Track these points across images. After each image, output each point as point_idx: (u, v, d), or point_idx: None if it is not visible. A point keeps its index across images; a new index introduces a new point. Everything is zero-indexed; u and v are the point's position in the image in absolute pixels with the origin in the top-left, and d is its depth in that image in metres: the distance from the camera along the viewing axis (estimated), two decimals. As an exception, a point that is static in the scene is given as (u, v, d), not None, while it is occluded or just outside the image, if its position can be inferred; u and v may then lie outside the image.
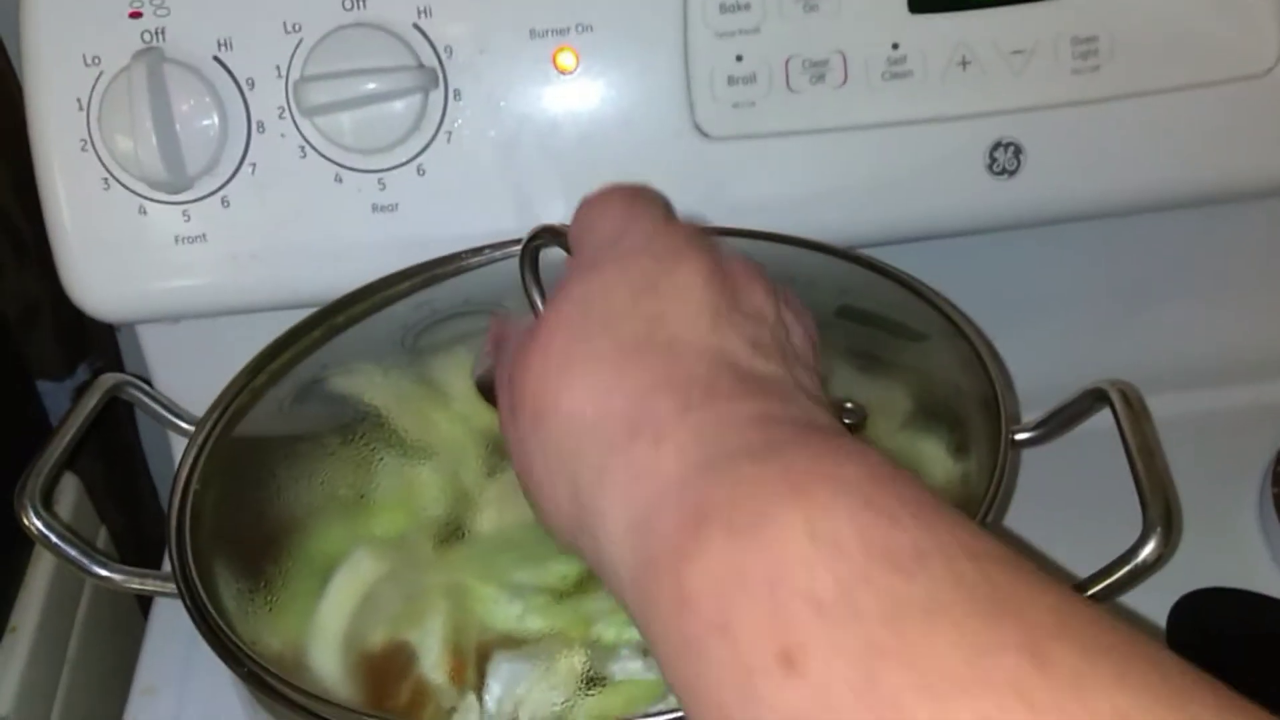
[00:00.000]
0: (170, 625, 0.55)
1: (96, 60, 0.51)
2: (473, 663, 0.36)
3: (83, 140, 0.52)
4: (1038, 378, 0.51)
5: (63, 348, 0.74)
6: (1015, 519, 0.48)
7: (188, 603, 0.38)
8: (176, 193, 0.52)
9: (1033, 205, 0.55)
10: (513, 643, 0.36)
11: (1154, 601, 0.49)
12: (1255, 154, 0.55)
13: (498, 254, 0.50)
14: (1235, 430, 0.59)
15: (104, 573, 0.40)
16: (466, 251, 0.50)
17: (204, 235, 0.53)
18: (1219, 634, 0.49)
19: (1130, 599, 0.50)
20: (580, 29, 0.51)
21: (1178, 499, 0.38)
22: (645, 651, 0.35)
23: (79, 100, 0.51)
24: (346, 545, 0.38)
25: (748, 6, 0.52)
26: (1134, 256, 0.61)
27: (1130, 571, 0.36)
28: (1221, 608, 0.49)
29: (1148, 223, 0.58)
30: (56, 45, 0.51)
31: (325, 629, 0.36)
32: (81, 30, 0.51)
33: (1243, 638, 0.49)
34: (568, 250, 0.37)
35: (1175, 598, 0.50)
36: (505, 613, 0.37)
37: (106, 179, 0.52)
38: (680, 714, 0.32)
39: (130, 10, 0.51)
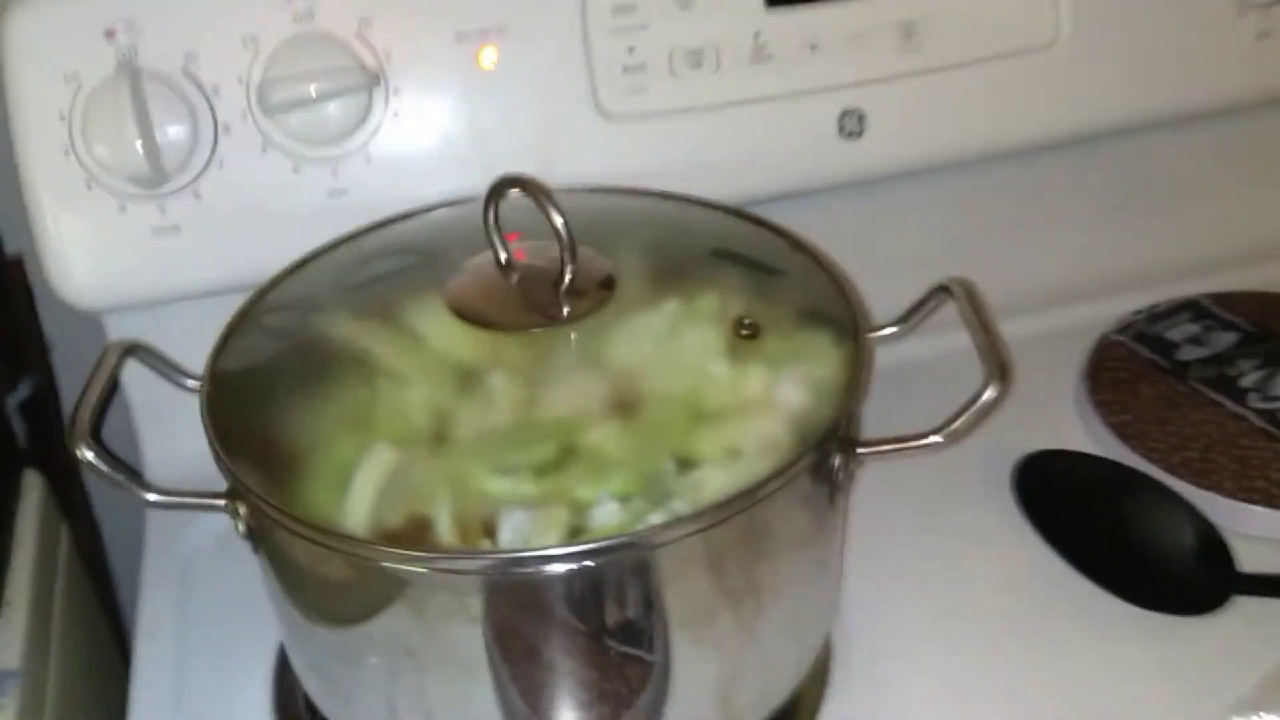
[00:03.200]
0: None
1: (76, 76, 0.58)
2: (478, 527, 0.44)
3: (65, 148, 0.59)
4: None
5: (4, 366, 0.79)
6: (886, 400, 0.59)
7: (233, 506, 0.46)
8: (154, 189, 0.59)
9: (877, 162, 0.66)
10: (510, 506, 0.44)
11: (1003, 463, 0.62)
12: (1047, 112, 0.68)
13: (439, 211, 0.59)
14: (1057, 339, 0.71)
15: (153, 496, 0.47)
16: (416, 209, 0.59)
17: (178, 226, 0.60)
18: (1053, 483, 0.61)
19: (986, 461, 0.62)
20: (498, 31, 0.61)
21: (1010, 354, 0.49)
22: (620, 499, 0.44)
23: (60, 112, 0.58)
24: (358, 452, 0.46)
25: (634, 8, 0.62)
26: (961, 206, 0.73)
27: (978, 409, 0.47)
28: (1054, 463, 0.62)
29: (970, 173, 0.70)
30: (37, 64, 0.58)
31: (356, 509, 0.44)
32: (60, 50, 0.58)
33: (1072, 485, 0.61)
34: (526, 192, 0.46)
35: (1019, 459, 0.62)
36: (499, 487, 0.45)
37: (88, 181, 0.59)
38: (632, 537, 0.41)
39: (105, 30, 0.58)
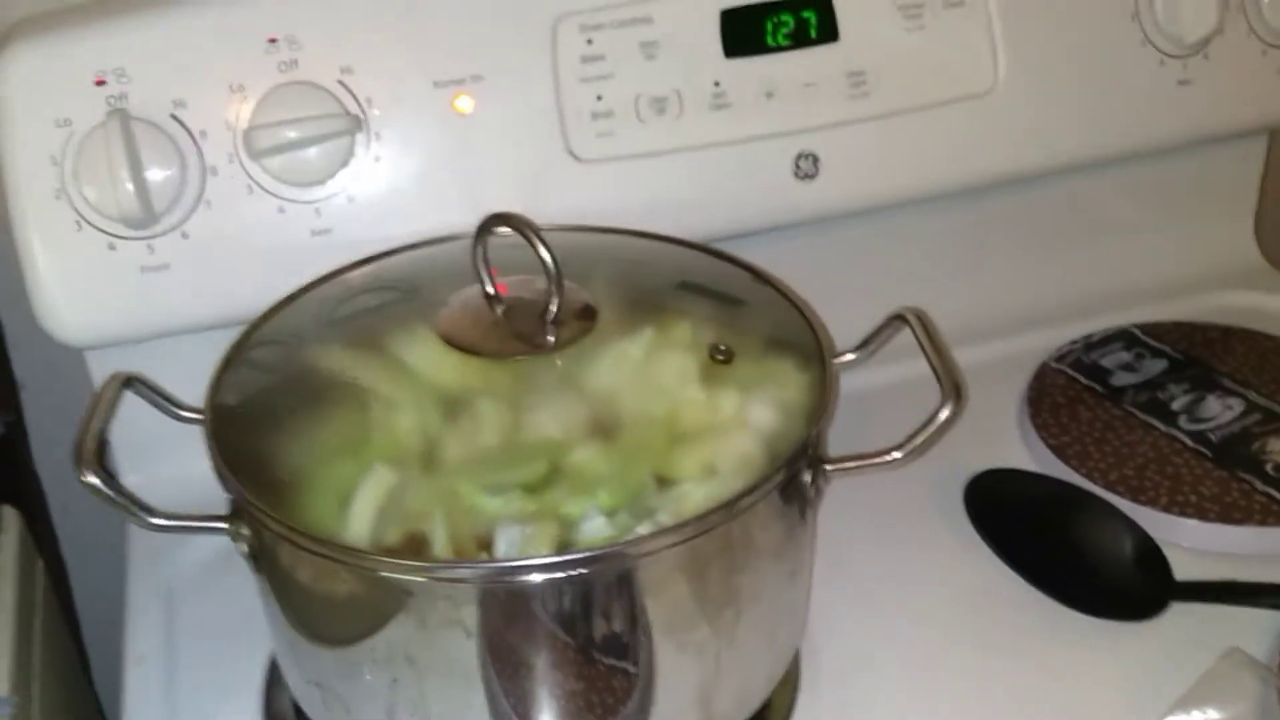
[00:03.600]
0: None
1: (68, 122, 0.61)
2: (472, 543, 0.47)
3: (56, 190, 0.61)
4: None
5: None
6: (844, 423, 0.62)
7: (235, 528, 0.48)
8: (144, 230, 0.61)
9: (830, 201, 0.71)
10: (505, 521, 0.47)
11: (953, 482, 0.66)
12: (986, 154, 0.73)
13: (419, 250, 0.61)
14: (998, 368, 0.75)
15: (158, 520, 0.50)
16: (400, 247, 0.61)
17: (167, 265, 0.63)
18: (1002, 499, 0.65)
19: (938, 479, 0.66)
20: (474, 79, 0.64)
21: (963, 376, 0.53)
22: (607, 514, 0.47)
23: (52, 156, 0.61)
24: (356, 474, 0.48)
25: (603, 58, 0.66)
26: (907, 243, 0.78)
27: (935, 427, 0.51)
28: (1002, 481, 0.66)
29: (916, 212, 0.75)
30: (29, 110, 0.61)
31: (357, 527, 0.46)
32: (51, 97, 0.61)
33: (1019, 501, 0.65)
34: (516, 230, 0.50)
35: (968, 478, 0.66)
36: (492, 505, 0.48)
37: (78, 222, 0.61)
38: (622, 546, 0.44)
39: (95, 79, 0.61)
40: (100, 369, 0.68)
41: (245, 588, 0.62)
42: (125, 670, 0.60)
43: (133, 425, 0.60)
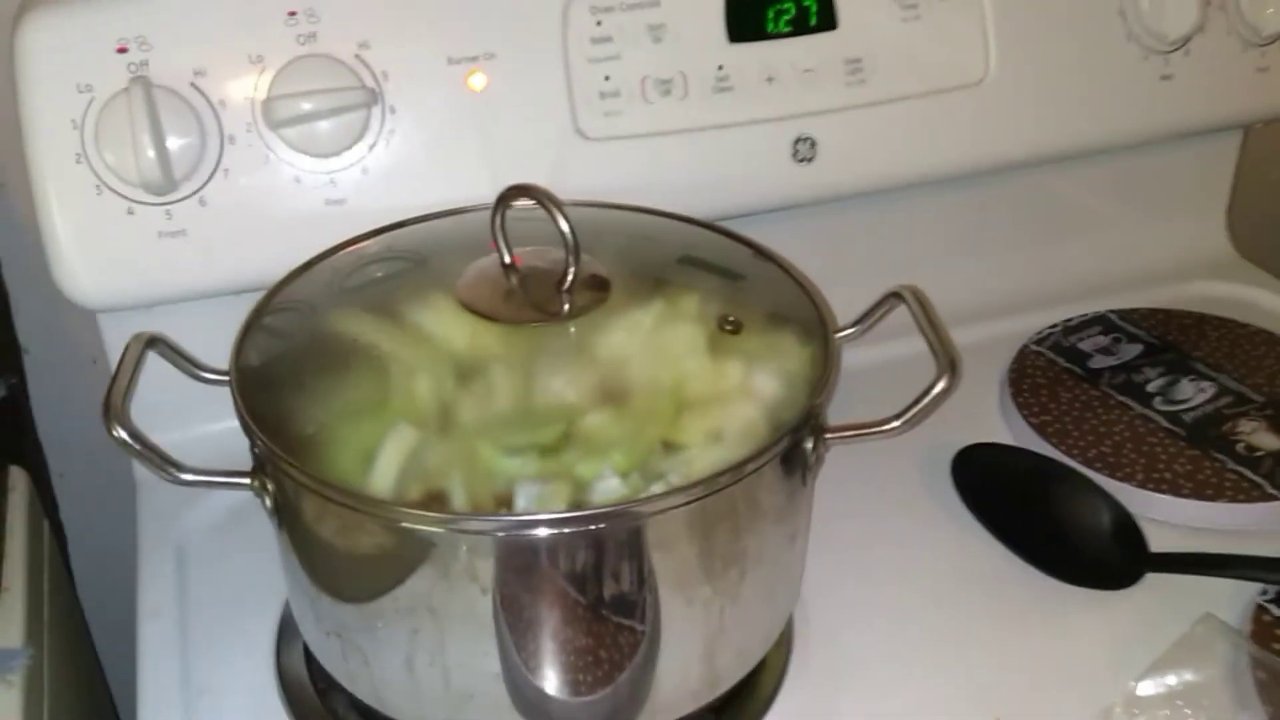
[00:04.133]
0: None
1: (89, 88, 0.62)
2: (490, 502, 0.49)
3: (77, 155, 0.62)
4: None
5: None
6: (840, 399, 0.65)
7: (260, 483, 0.50)
8: (163, 195, 0.63)
9: (827, 184, 0.73)
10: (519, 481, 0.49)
11: (939, 456, 0.68)
12: (976, 142, 0.76)
13: (433, 221, 0.63)
14: (981, 349, 0.78)
15: (186, 475, 0.51)
16: (415, 218, 0.63)
17: (184, 231, 0.64)
18: (987, 472, 0.68)
19: (924, 454, 0.68)
20: (487, 56, 0.66)
21: (958, 350, 0.55)
22: (621, 474, 0.49)
23: (73, 121, 0.62)
24: (378, 433, 0.50)
25: (611, 39, 0.68)
26: (898, 227, 0.80)
27: (932, 399, 0.53)
28: (987, 454, 0.69)
29: (908, 197, 0.77)
30: (51, 75, 0.62)
31: (380, 483, 0.48)
32: (74, 63, 0.62)
33: (1003, 474, 0.68)
34: (536, 200, 0.52)
35: (954, 452, 0.69)
36: (509, 465, 0.50)
37: (98, 186, 0.63)
38: (637, 503, 0.47)
39: (118, 46, 0.62)
40: (113, 332, 0.70)
41: (253, 548, 0.64)
42: (139, 625, 0.62)
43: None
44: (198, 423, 0.69)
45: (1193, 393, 0.74)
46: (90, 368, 0.89)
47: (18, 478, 0.74)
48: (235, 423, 0.63)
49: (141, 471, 0.71)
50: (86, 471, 0.92)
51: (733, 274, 0.60)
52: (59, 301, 0.79)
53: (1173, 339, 0.79)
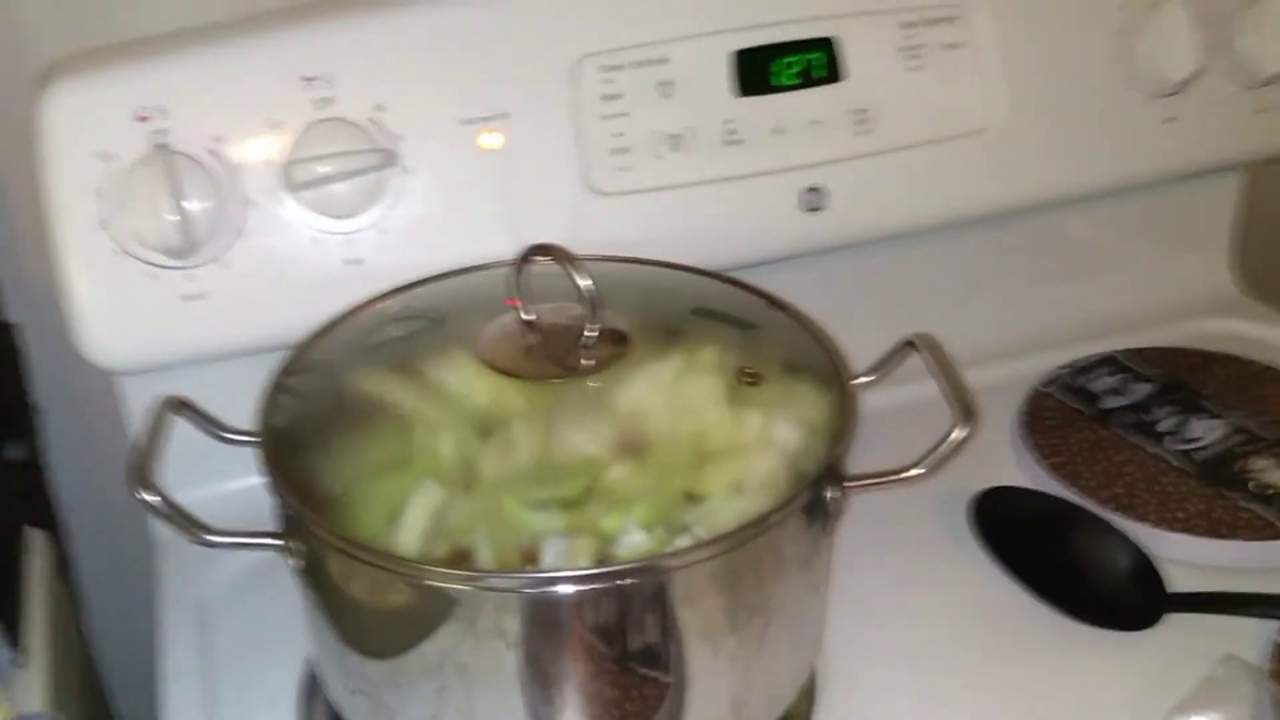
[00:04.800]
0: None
1: (110, 156, 0.63)
2: (515, 557, 0.49)
3: (99, 221, 0.63)
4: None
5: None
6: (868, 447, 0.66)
7: (288, 544, 0.51)
8: (184, 259, 0.64)
9: (837, 233, 0.74)
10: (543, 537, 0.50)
11: (956, 498, 0.69)
12: (984, 188, 0.77)
13: (450, 279, 0.64)
14: (991, 392, 0.78)
15: (213, 537, 0.52)
16: (431, 276, 0.64)
17: (205, 293, 0.65)
18: (1005, 515, 0.68)
19: (941, 496, 0.69)
20: (500, 116, 0.67)
21: (974, 397, 0.56)
22: (645, 527, 0.50)
23: (96, 189, 0.63)
24: (404, 490, 0.51)
25: (621, 96, 0.69)
26: (907, 274, 0.81)
27: (948, 446, 0.54)
28: (1002, 497, 0.69)
29: (916, 244, 0.78)
30: (72, 143, 0.63)
31: (407, 540, 0.49)
32: (94, 130, 0.63)
33: (1020, 517, 0.69)
34: (556, 260, 0.53)
35: (970, 495, 0.69)
36: (533, 521, 0.50)
37: (119, 252, 0.64)
38: (664, 558, 0.47)
39: (138, 115, 0.63)
40: (132, 394, 0.70)
41: (274, 604, 0.65)
42: (163, 686, 0.62)
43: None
44: (211, 481, 0.70)
45: (1203, 431, 0.74)
46: (105, 427, 0.89)
47: (38, 541, 0.74)
48: (250, 480, 0.64)
49: (160, 531, 0.72)
50: (100, 530, 0.93)
51: (748, 325, 0.61)
52: (75, 361, 0.80)
53: (1181, 378, 0.79)
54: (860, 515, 0.65)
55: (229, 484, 0.70)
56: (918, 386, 0.68)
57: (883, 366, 0.62)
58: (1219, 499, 0.68)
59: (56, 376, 0.86)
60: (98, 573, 0.93)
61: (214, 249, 0.64)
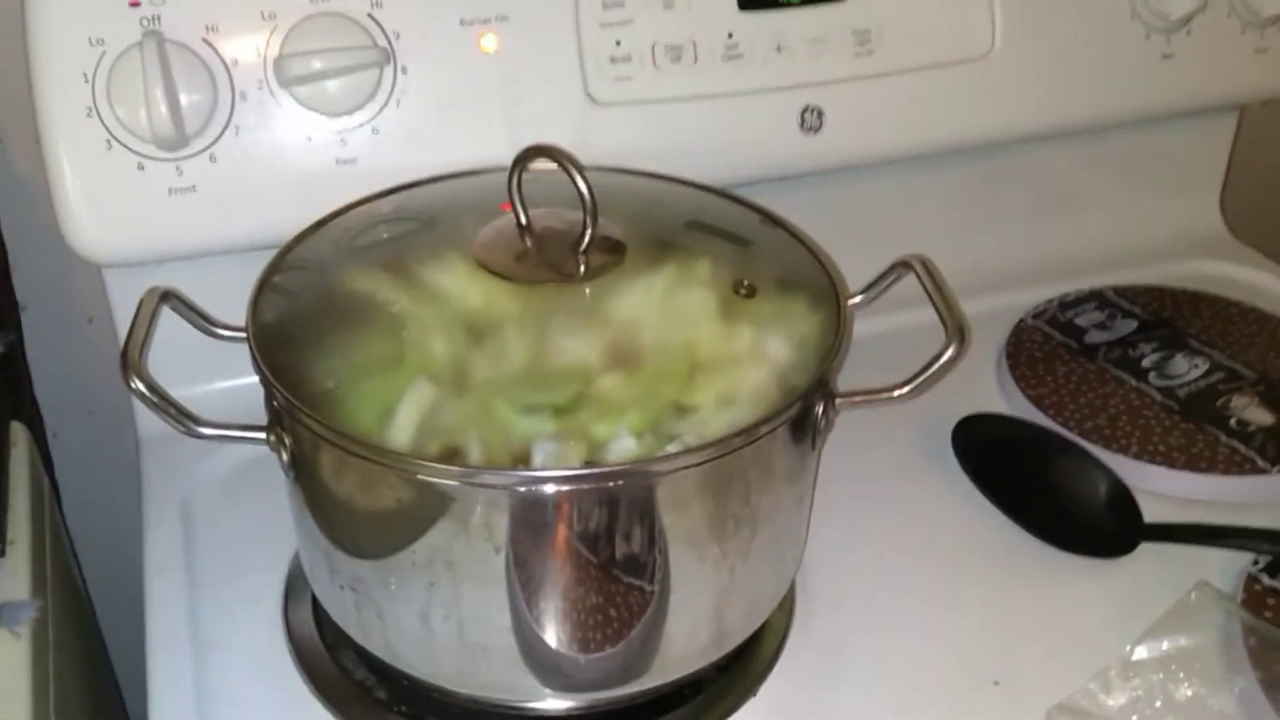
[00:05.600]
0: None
1: (101, 41, 0.62)
2: (506, 460, 0.49)
3: (88, 109, 0.62)
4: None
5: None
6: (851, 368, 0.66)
7: (277, 437, 0.50)
8: (174, 151, 0.63)
9: (834, 154, 0.73)
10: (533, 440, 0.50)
11: (939, 426, 0.70)
12: (981, 115, 0.76)
13: (445, 182, 0.63)
14: (978, 323, 0.78)
15: (204, 429, 0.51)
16: (427, 179, 0.63)
17: (194, 187, 0.64)
18: (986, 441, 0.69)
19: (924, 422, 0.69)
20: (499, 19, 0.66)
21: (966, 318, 0.56)
22: (636, 434, 0.50)
23: (85, 75, 0.62)
24: (397, 388, 0.50)
25: (622, 4, 0.68)
26: (900, 200, 0.81)
27: (941, 366, 0.54)
28: (984, 423, 0.70)
29: (910, 170, 0.78)
30: (62, 29, 0.61)
31: (399, 438, 0.49)
32: (86, 17, 0.62)
33: (1002, 443, 0.69)
34: (555, 161, 0.52)
35: (953, 422, 0.70)
36: (524, 424, 0.50)
37: (109, 141, 0.63)
38: (654, 461, 0.47)
39: (130, 0, 0.62)
40: (118, 289, 0.69)
41: (258, 503, 0.65)
42: (146, 580, 0.62)
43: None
44: (201, 381, 0.69)
45: (1186, 368, 0.75)
46: (85, 327, 0.89)
47: (19, 433, 0.74)
48: (240, 381, 0.64)
49: (145, 427, 0.71)
50: (81, 431, 0.92)
51: (745, 240, 0.61)
52: (57, 259, 0.79)
53: (1167, 316, 0.80)
54: (845, 439, 0.66)
55: (215, 383, 0.70)
56: (905, 314, 0.69)
57: (876, 287, 0.62)
58: (1199, 434, 0.69)
59: (38, 273, 0.85)
60: (77, 471, 0.93)
61: (204, 142, 0.64)
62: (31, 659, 0.59)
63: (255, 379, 0.51)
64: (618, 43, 0.68)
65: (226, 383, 0.71)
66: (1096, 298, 0.82)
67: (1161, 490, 0.67)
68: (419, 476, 0.47)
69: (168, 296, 0.57)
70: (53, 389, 0.89)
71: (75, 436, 0.92)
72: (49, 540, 0.71)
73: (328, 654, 0.58)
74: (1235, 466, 0.67)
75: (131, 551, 0.65)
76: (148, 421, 0.71)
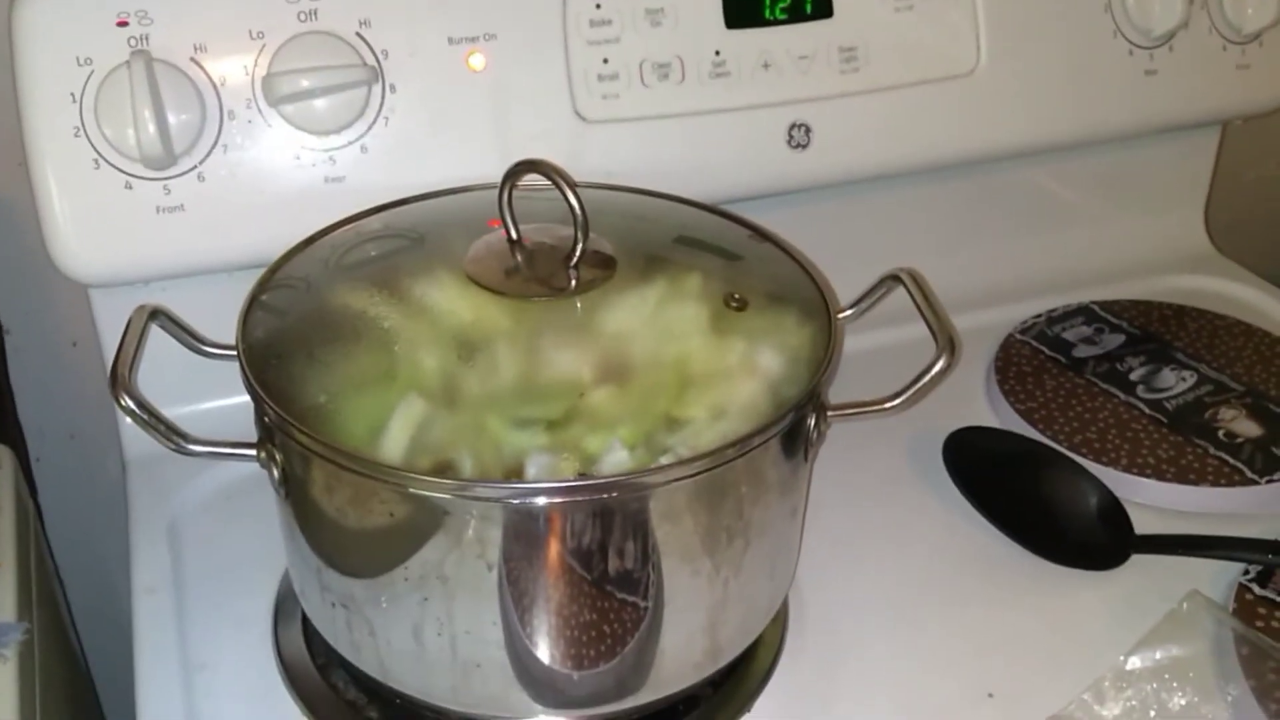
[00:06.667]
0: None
1: (89, 61, 0.62)
2: (498, 474, 0.49)
3: (75, 128, 0.62)
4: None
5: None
6: (841, 382, 0.66)
7: (268, 454, 0.50)
8: (162, 170, 0.63)
9: (821, 170, 0.74)
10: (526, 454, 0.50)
11: (930, 439, 0.69)
12: (966, 132, 0.77)
13: (434, 199, 0.63)
14: (967, 338, 0.79)
15: (194, 446, 0.51)
16: (417, 196, 0.63)
17: (182, 206, 0.64)
18: (977, 455, 0.69)
19: (920, 436, 0.69)
20: (487, 37, 0.66)
21: (956, 330, 0.56)
22: (628, 447, 0.50)
23: (72, 94, 0.62)
24: (388, 404, 0.50)
25: (610, 22, 0.68)
26: (887, 216, 0.81)
27: (931, 378, 0.54)
28: (975, 437, 0.70)
29: (897, 186, 0.78)
30: (50, 47, 0.61)
31: (391, 450, 0.48)
32: (73, 36, 0.62)
33: (992, 457, 0.69)
34: (545, 176, 0.52)
35: (944, 436, 0.70)
36: (516, 438, 0.50)
37: (96, 160, 0.62)
38: (647, 474, 0.47)
39: (118, 19, 0.62)
40: (105, 309, 0.69)
41: (246, 524, 0.64)
42: (134, 601, 0.62)
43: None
44: (189, 401, 0.69)
45: (1174, 381, 0.75)
46: (69, 351, 0.88)
47: (3, 456, 0.73)
48: (228, 401, 0.63)
49: (132, 449, 0.71)
50: (64, 455, 0.92)
51: (735, 255, 0.61)
52: (40, 282, 0.79)
53: (1154, 330, 0.80)
54: (836, 453, 0.66)
55: (203, 403, 0.70)
56: (894, 330, 0.69)
57: (866, 300, 0.62)
58: (1188, 446, 0.69)
59: (21, 297, 0.85)
60: (59, 497, 0.92)
61: (192, 161, 0.64)
62: (18, 681, 0.58)
63: (243, 399, 0.51)
64: (605, 60, 0.68)
65: (214, 403, 0.71)
66: (1084, 312, 0.83)
67: (1152, 502, 0.67)
68: (411, 490, 0.47)
69: (156, 314, 0.56)
70: (36, 413, 0.89)
71: (58, 461, 0.91)
72: (34, 563, 0.70)
73: (318, 674, 0.57)
74: (1224, 478, 0.67)
75: (114, 575, 0.65)
76: (134, 443, 0.70)
